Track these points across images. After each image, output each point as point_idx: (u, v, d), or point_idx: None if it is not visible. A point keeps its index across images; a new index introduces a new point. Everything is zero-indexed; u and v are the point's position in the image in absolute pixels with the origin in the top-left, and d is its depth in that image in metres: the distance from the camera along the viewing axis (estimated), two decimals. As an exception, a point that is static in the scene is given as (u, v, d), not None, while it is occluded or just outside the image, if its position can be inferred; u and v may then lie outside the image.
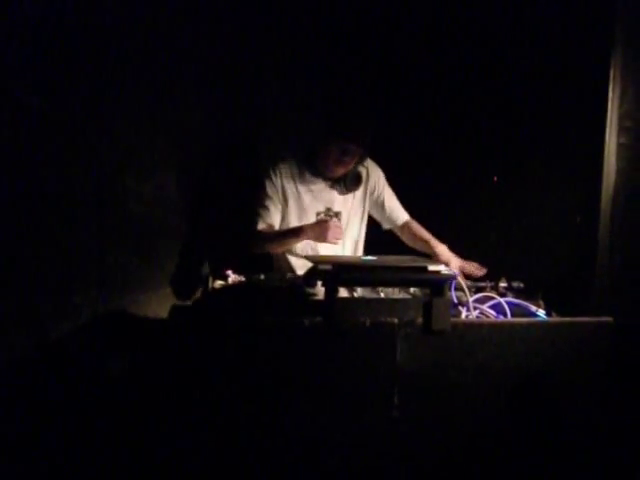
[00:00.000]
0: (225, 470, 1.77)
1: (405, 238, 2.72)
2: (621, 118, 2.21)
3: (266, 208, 2.56)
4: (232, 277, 2.08)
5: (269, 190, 2.56)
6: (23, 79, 2.44)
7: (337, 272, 1.79)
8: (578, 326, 1.91)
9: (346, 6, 3.11)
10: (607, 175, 2.22)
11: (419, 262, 1.95)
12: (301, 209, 2.59)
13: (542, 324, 1.94)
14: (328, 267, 1.78)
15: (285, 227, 2.58)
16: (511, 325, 1.89)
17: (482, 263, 2.42)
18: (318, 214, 2.61)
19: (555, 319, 2.02)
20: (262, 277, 2.07)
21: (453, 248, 2.55)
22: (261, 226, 2.55)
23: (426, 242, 2.59)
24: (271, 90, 3.13)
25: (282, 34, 3.10)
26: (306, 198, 2.59)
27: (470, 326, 1.88)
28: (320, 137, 2.49)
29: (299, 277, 1.97)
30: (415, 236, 2.67)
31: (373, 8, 3.10)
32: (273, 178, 2.56)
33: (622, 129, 2.21)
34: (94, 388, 2.11)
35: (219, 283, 2.06)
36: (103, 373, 1.78)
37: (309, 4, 3.12)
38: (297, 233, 2.45)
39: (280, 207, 2.58)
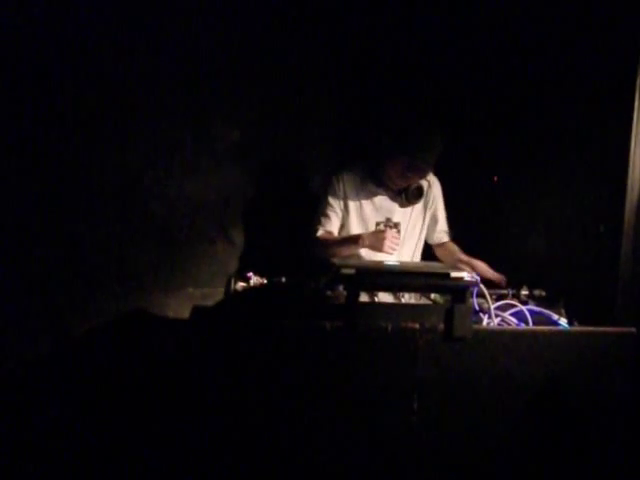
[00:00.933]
0: (245, 471, 1.78)
1: (440, 254, 2.76)
2: (647, 126, 2.19)
3: (327, 216, 2.61)
4: (254, 279, 2.09)
5: (331, 198, 2.61)
6: (49, 80, 2.50)
7: (359, 276, 1.79)
8: (600, 336, 1.89)
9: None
10: (631, 183, 2.20)
11: (441, 268, 1.95)
12: (362, 218, 2.63)
13: (564, 333, 1.93)
14: (350, 271, 1.78)
15: (346, 235, 2.62)
16: (532, 333, 1.88)
17: (503, 270, 2.41)
18: (378, 224, 2.64)
19: (577, 328, 2.00)
20: (283, 280, 2.08)
21: (475, 255, 2.55)
22: (320, 232, 2.60)
23: (462, 261, 2.57)
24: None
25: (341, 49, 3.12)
26: (367, 208, 2.63)
27: (491, 333, 1.87)
28: (387, 150, 2.51)
29: (321, 281, 1.97)
30: (451, 254, 2.68)
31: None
32: (336, 186, 2.61)
33: (647, 137, 2.19)
34: (114, 385, 2.13)
35: (241, 285, 2.07)
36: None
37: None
38: (355, 241, 2.48)
39: (341, 215, 2.63)
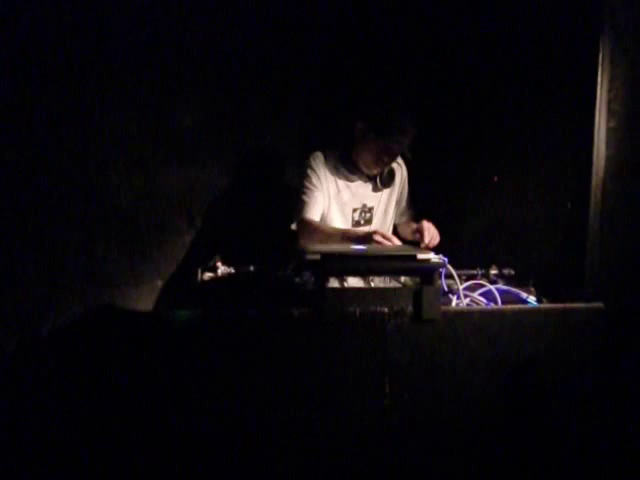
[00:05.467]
0: (216, 460, 1.76)
1: (400, 230, 2.76)
2: (610, 102, 2.19)
3: (314, 197, 2.52)
4: (221, 269, 2.07)
5: (315, 181, 2.54)
6: (6, 74, 2.44)
7: (326, 262, 1.78)
8: (569, 312, 1.91)
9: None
10: (597, 160, 2.20)
11: (408, 251, 1.93)
12: (340, 204, 2.60)
13: (533, 311, 1.94)
14: (316, 257, 1.76)
15: (326, 221, 2.57)
16: (501, 312, 1.88)
17: (472, 250, 2.42)
18: (354, 210, 2.63)
19: (546, 305, 2.02)
20: (251, 269, 2.06)
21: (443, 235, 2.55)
22: (308, 215, 2.50)
23: (413, 230, 2.57)
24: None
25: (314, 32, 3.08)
26: (345, 195, 2.60)
27: (460, 314, 1.87)
28: (361, 135, 2.48)
29: (288, 268, 1.95)
30: (408, 227, 2.69)
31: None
32: (318, 172, 2.55)
33: (611, 113, 2.20)
34: (81, 383, 2.09)
35: (208, 275, 2.05)
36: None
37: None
38: (347, 237, 2.36)
39: (324, 201, 2.56)
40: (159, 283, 2.75)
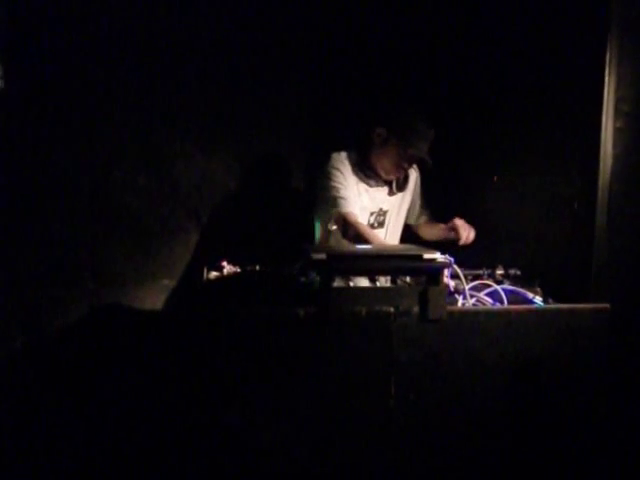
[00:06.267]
0: (220, 459, 1.76)
1: (423, 233, 2.77)
2: (617, 102, 2.19)
3: (347, 195, 2.46)
4: (227, 268, 2.07)
5: (342, 180, 2.48)
6: (13, 75, 2.45)
7: (332, 261, 1.78)
8: (575, 313, 1.90)
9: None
10: (604, 160, 2.19)
11: (414, 250, 1.93)
12: (361, 208, 2.55)
13: (539, 311, 1.93)
14: (322, 256, 1.76)
15: None
16: (508, 312, 1.88)
17: (478, 250, 2.42)
18: (372, 214, 2.61)
19: (552, 306, 2.01)
20: (257, 268, 2.06)
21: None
22: (349, 208, 2.42)
23: (445, 228, 2.57)
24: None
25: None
26: (365, 198, 2.58)
27: (466, 314, 1.87)
28: (381, 141, 2.48)
29: (294, 267, 1.95)
30: (433, 227, 2.69)
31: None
32: (343, 171, 2.50)
33: (618, 113, 2.19)
34: (87, 383, 2.10)
35: (214, 274, 2.05)
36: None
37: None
38: None
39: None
40: (165, 282, 2.75)
